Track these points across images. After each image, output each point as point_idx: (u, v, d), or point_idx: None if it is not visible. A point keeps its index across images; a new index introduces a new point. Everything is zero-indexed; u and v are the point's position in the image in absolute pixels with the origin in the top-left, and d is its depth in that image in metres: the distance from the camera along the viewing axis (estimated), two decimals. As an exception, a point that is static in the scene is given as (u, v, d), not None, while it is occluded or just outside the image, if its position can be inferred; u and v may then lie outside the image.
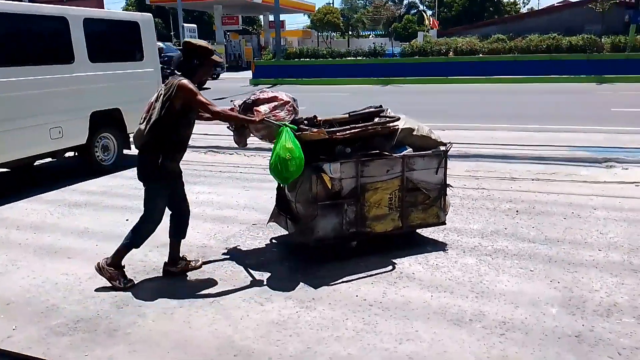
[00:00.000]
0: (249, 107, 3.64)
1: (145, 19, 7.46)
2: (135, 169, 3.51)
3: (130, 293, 3.39)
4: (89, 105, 6.48)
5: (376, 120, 3.94)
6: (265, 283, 3.48)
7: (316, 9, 46.25)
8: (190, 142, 8.26)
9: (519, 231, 4.28)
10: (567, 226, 4.33)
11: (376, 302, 3.18)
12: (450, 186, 4.16)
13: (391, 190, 3.77)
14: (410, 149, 3.88)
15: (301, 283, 3.46)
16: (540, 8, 50.02)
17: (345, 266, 3.68)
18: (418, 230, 4.21)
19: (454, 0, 46.62)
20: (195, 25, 32.84)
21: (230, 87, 19.64)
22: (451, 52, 20.07)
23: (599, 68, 17.05)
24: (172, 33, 48.29)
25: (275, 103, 3.61)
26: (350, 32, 60.16)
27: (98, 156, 6.77)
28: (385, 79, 19.22)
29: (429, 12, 45.16)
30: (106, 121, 6.79)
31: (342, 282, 3.45)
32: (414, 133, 3.89)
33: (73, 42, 6.21)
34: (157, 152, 3.27)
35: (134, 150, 7.62)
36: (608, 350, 2.61)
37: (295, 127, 3.47)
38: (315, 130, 3.54)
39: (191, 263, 3.75)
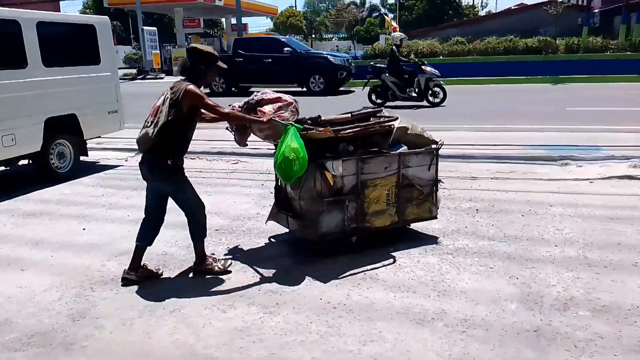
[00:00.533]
0: (252, 107, 3.73)
1: (101, 22, 7.28)
2: (93, 175, 3.41)
3: (86, 305, 3.29)
4: (43, 111, 6.26)
5: (373, 120, 4.08)
6: (228, 290, 3.43)
7: (279, 11, 46.23)
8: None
9: (479, 229, 4.36)
10: (524, 223, 4.44)
11: (340, 304, 3.18)
12: (441, 182, 4.31)
13: (389, 187, 3.92)
14: (405, 147, 4.02)
15: (265, 288, 3.43)
16: (497, 11, 51.42)
17: (308, 270, 3.67)
18: (382, 231, 4.24)
19: (415, 4, 47.38)
20: (155, 29, 32.23)
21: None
22: (412, 55, 20.35)
23: (554, 69, 17.61)
24: (131, 36, 47.39)
25: (280, 104, 3.70)
26: (313, 35, 60.35)
27: (53, 163, 6.54)
28: (350, 81, 19.31)
29: (390, 15, 45.71)
30: (62, 127, 6.58)
31: (306, 285, 3.44)
32: (409, 132, 4.03)
33: (26, 46, 5.99)
34: (165, 154, 3.35)
35: (92, 157, 7.46)
36: (565, 344, 2.68)
37: (301, 127, 3.55)
38: (321, 129, 3.66)
39: (151, 270, 3.68)
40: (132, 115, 8.22)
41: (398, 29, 36.80)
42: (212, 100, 3.40)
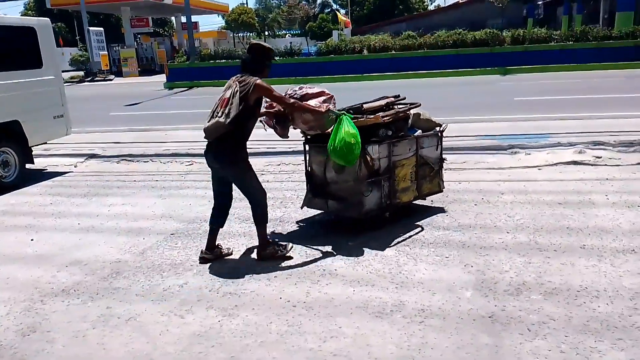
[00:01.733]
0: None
1: (42, 24, 6.99)
2: (40, 183, 3.27)
3: (36, 318, 3.15)
4: (-18, 119, 5.96)
5: (396, 107, 4.45)
6: (185, 294, 3.36)
7: (230, 9, 45.62)
8: (101, 152, 7.90)
9: (434, 220, 4.43)
10: (477, 212, 4.55)
11: (300, 302, 3.17)
12: (445, 160, 4.79)
13: (411, 166, 4.40)
14: (420, 131, 4.53)
15: (223, 291, 3.37)
16: (446, 5, 52.46)
17: (267, 270, 3.65)
18: (339, 227, 4.26)
19: (366, -1, 47.75)
20: (102, 29, 31.27)
21: (143, 92, 18.94)
22: (365, 50, 20.52)
23: (502, 60, 18.12)
24: (77, 37, 45.74)
25: (324, 97, 3.99)
26: (266, 32, 59.90)
27: (-3, 173, 6.25)
28: (302, 78, 19.30)
29: (342, 11, 45.94)
30: (4, 135, 6.29)
31: (266, 285, 3.41)
32: (421, 117, 4.58)
33: (-40, 50, 5.69)
34: (232, 142, 3.60)
35: (38, 164, 7.16)
36: (519, 328, 2.76)
37: (352, 115, 3.84)
38: (372, 116, 4.05)
39: (223, 250, 3.93)
40: (81, 119, 7.98)
41: (350, 25, 37.03)
42: (278, 92, 3.69)
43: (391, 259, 3.71)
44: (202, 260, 3.82)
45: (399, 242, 3.99)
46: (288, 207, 4.99)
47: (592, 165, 5.82)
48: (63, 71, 24.19)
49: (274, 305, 3.14)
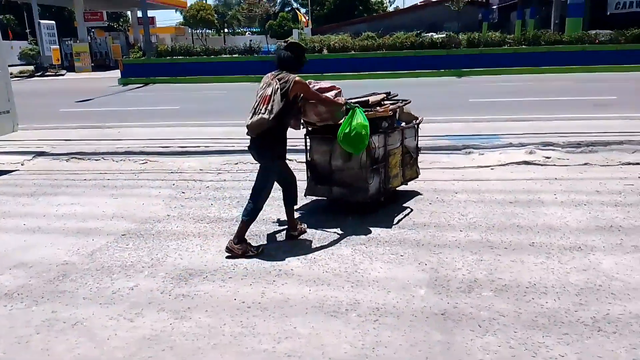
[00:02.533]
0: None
1: (-16, 14, 6.64)
2: None
3: (-26, 325, 2.99)
4: None
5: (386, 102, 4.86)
6: (135, 297, 3.26)
7: (188, 5, 44.85)
8: (50, 149, 7.62)
9: (389, 219, 4.47)
10: (432, 211, 4.62)
11: (255, 303, 3.12)
12: (420, 149, 5.28)
13: (399, 154, 4.80)
14: (403, 123, 4.91)
15: (175, 293, 3.29)
16: (405, 7, 53.30)
17: (222, 271, 3.58)
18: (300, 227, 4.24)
19: (326, -1, 47.87)
20: (53, 22, 30.04)
21: (96, 88, 18.35)
22: (325, 50, 20.56)
23: (458, 62, 18.53)
24: (27, 30, 43.88)
25: (336, 91, 4.26)
26: (226, 29, 59.18)
27: None
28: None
29: (303, 10, 45.91)
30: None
31: (220, 286, 3.35)
32: (404, 111, 4.94)
33: None
34: (277, 137, 3.77)
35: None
36: (470, 324, 2.81)
37: (362, 109, 4.13)
38: (381, 109, 4.47)
39: (302, 226, 4.18)
40: (29, 115, 7.63)
41: (309, 24, 37.07)
42: (312, 88, 3.93)
43: (347, 258, 3.72)
44: (290, 237, 4.09)
45: (356, 242, 4.00)
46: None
47: (541, 165, 6.01)
48: (12, 65, 23.08)
49: (227, 307, 3.08)
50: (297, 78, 3.76)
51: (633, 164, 5.91)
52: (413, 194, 5.12)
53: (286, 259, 3.73)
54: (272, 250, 3.89)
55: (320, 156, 4.63)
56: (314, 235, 4.16)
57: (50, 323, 2.98)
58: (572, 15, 19.54)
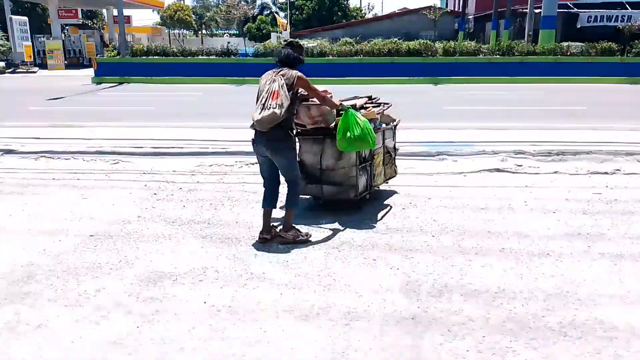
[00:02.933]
0: (304, 98, 4.37)
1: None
2: None
3: None
4: None
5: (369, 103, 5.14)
6: (101, 300, 3.19)
7: (165, 5, 44.39)
8: (19, 148, 7.42)
9: (363, 223, 4.48)
10: (405, 215, 4.65)
11: (225, 306, 3.08)
12: (398, 149, 5.60)
13: (381, 154, 5.05)
14: (383, 125, 5.11)
15: (144, 296, 3.23)
16: (383, 14, 53.81)
17: (193, 274, 3.53)
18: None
19: (305, 4, 47.99)
20: (26, 18, 29.32)
21: (69, 86, 17.98)
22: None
23: (434, 70, 18.75)
24: (-3, 26, 42.76)
25: (329, 95, 4.38)
26: (204, 31, 58.73)
27: None
28: (240, 78, 19.08)
29: (282, 14, 45.93)
30: None
31: (190, 290, 3.30)
32: (385, 113, 5.16)
33: None
34: (288, 127, 3.94)
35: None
36: (440, 329, 2.83)
37: (355, 112, 4.29)
38: (366, 112, 4.68)
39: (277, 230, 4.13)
40: (1, 113, 7.41)
41: (287, 28, 37.07)
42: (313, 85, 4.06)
43: (320, 261, 3.71)
44: (263, 240, 4.04)
45: (329, 245, 3.99)
46: (218, 210, 4.87)
47: (513, 172, 6.11)
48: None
49: (197, 311, 3.03)
50: (300, 74, 3.95)
51: (601, 173, 6.05)
52: (388, 197, 5.14)
53: (258, 262, 3.70)
54: (243, 254, 3.85)
55: (311, 156, 4.75)
56: (286, 238, 4.13)
57: (12, 325, 2.89)
58: (545, 27, 19.97)
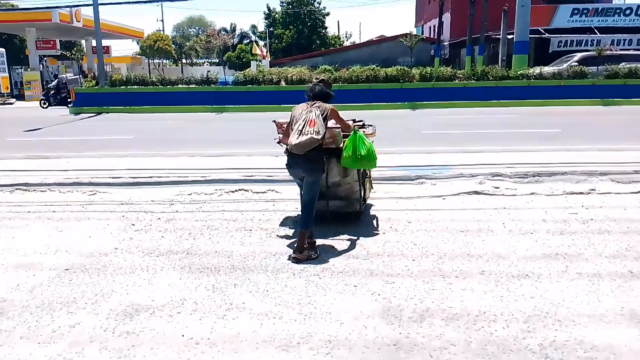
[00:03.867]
0: None
1: None
2: None
3: None
4: None
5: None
6: (76, 335, 3.10)
7: (145, 35, 44.61)
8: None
9: (344, 248, 4.47)
10: (386, 240, 4.65)
11: (204, 339, 3.02)
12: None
13: (368, 170, 5.43)
14: None
15: (120, 330, 3.15)
16: (361, 42, 54.79)
17: (170, 306, 3.46)
18: (250, 258, 4.18)
19: (284, 32, 48.68)
20: (3, 49, 29.22)
21: (46, 117, 17.83)
22: (282, 82, 20.76)
23: (411, 96, 19.06)
24: (-26, 57, 42.35)
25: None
26: (184, 60, 59.03)
27: None
28: (220, 106, 19.14)
29: (261, 43, 46.44)
30: None
31: (167, 322, 3.23)
32: (366, 133, 5.28)
33: None
34: (321, 151, 4.41)
35: None
36: (421, 354, 2.81)
37: (361, 134, 4.70)
38: (369, 133, 5.27)
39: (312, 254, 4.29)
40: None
41: (267, 56, 37.42)
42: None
43: (300, 290, 3.67)
44: (295, 261, 4.20)
45: (310, 273, 3.96)
46: (197, 239, 4.82)
47: (491, 195, 6.19)
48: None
49: (174, 344, 2.97)
50: (333, 107, 4.50)
51: (577, 193, 6.16)
52: (369, 222, 5.15)
53: (238, 292, 3.65)
54: (223, 284, 3.80)
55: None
56: (267, 267, 4.10)
57: (-19, 366, 2.79)
58: (518, 52, 20.54)
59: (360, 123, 5.63)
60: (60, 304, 3.53)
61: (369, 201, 5.75)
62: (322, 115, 4.38)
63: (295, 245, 4.34)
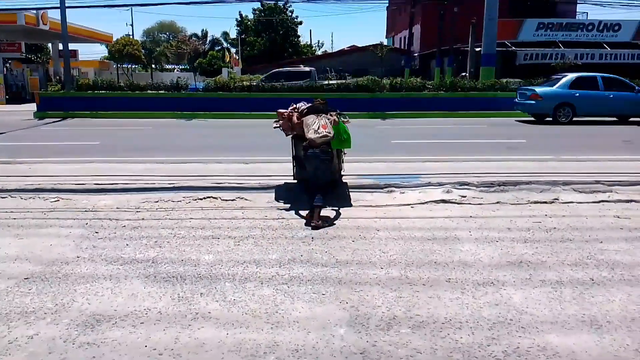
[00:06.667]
0: (303, 113, 6.37)
1: None
2: None
3: None
4: None
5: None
6: (34, 347, 2.98)
7: (114, 39, 43.88)
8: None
9: (313, 257, 4.45)
10: (355, 248, 4.66)
11: (167, 349, 2.95)
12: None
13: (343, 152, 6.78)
14: None
15: (80, 341, 3.04)
16: (333, 51, 55.17)
17: (133, 314, 3.38)
18: (218, 267, 4.12)
19: (256, 40, 48.64)
20: (-37, 51, 28.34)
21: (9, 121, 17.32)
22: (254, 89, 20.71)
23: (381, 105, 19.29)
24: None
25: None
26: (153, 65, 58.25)
27: None
28: (189, 112, 18.96)
29: (233, 50, 46.31)
30: None
31: (130, 332, 3.14)
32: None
33: None
34: (330, 145, 6.00)
35: None
36: (388, 362, 2.80)
37: (343, 124, 6.29)
38: (345, 121, 6.47)
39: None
40: None
41: (239, 64, 37.29)
42: None
43: (268, 298, 3.63)
44: (316, 227, 5.24)
45: (278, 281, 3.93)
46: (163, 247, 4.72)
47: (458, 203, 6.28)
48: None
49: (137, 355, 2.89)
50: (335, 117, 6.15)
51: (540, 202, 6.31)
52: (338, 230, 5.14)
53: (204, 302, 3.59)
54: (189, 293, 3.73)
55: (301, 152, 6.29)
56: (235, 276, 4.04)
57: None
58: (485, 64, 21.03)
59: (337, 111, 6.55)
60: (19, 314, 3.40)
61: (341, 210, 5.81)
62: (328, 120, 6.04)
63: (313, 216, 5.39)
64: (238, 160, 8.87)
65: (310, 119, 6.02)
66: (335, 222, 5.44)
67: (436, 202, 6.32)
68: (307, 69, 23.38)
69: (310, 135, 5.82)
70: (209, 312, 3.42)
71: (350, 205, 6.13)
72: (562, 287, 3.81)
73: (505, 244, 4.76)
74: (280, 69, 23.84)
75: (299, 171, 6.74)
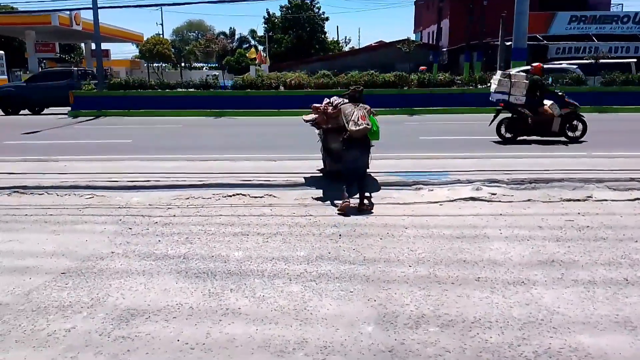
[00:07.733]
0: (336, 106, 6.61)
1: None
2: None
3: None
4: None
5: None
6: (71, 340, 3.09)
7: (145, 39, 44.71)
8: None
9: (340, 254, 4.48)
10: (382, 246, 4.66)
11: (199, 344, 3.02)
12: None
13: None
14: None
15: (115, 335, 3.15)
16: (360, 47, 54.97)
17: (165, 311, 3.46)
18: (247, 263, 4.18)
19: (283, 37, 48.83)
20: (2, 52, 29.29)
21: (44, 120, 17.84)
22: (281, 86, 20.81)
23: (409, 101, 19.11)
24: (-27, 60, 42.37)
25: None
26: (183, 64, 59.12)
27: None
28: (218, 110, 19.17)
29: (260, 48, 46.60)
30: None
31: (163, 327, 3.23)
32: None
33: None
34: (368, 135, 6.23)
35: None
36: (416, 361, 2.81)
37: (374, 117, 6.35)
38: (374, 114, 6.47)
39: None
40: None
41: (267, 61, 37.48)
42: None
43: (297, 295, 3.68)
44: (364, 213, 5.76)
45: (306, 278, 3.97)
46: (194, 243, 4.82)
47: (487, 201, 6.20)
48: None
49: (170, 349, 2.97)
50: (369, 107, 6.26)
51: (573, 200, 6.18)
52: (366, 228, 5.15)
53: (234, 298, 3.65)
54: (219, 289, 3.80)
55: (336, 144, 6.59)
56: (264, 272, 4.10)
57: (-25, 370, 2.79)
58: (515, 59, 20.58)
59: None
60: (56, 308, 3.53)
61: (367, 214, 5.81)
62: (366, 109, 6.16)
63: (358, 204, 5.82)
64: (266, 157, 8.94)
65: (348, 108, 6.15)
66: (372, 211, 5.76)
67: (465, 199, 6.26)
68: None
69: (351, 127, 6.01)
70: (239, 308, 3.49)
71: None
72: (594, 287, 3.74)
73: (536, 243, 4.69)
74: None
75: (331, 163, 7.00)
